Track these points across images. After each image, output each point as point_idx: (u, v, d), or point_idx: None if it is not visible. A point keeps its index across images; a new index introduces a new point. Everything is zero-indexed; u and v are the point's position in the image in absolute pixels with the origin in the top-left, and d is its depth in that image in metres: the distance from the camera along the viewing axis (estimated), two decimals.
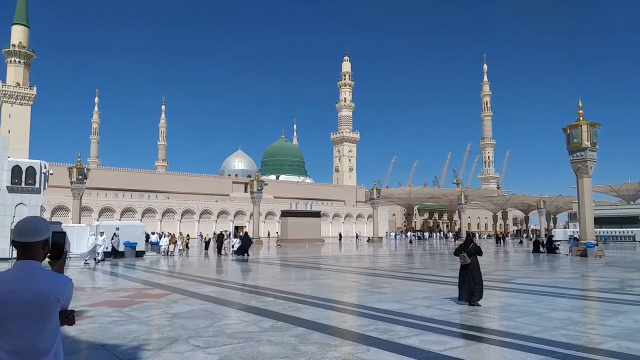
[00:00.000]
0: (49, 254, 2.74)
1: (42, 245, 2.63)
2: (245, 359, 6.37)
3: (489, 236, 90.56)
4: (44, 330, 2.49)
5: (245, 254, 29.75)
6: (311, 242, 55.98)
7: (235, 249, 33.57)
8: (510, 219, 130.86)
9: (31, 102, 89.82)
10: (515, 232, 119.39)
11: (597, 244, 31.48)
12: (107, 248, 26.64)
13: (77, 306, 10.79)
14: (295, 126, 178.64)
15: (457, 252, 11.33)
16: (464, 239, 11.69)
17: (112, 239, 27.62)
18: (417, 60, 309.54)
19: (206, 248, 38.51)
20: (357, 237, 77.43)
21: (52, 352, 2.52)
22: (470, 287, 10.83)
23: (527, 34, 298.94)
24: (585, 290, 15.49)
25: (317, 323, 8.78)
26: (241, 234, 38.90)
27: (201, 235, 65.44)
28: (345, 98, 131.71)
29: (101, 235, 26.03)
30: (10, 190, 25.33)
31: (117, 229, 29.12)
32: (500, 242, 58.19)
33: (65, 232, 2.92)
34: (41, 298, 2.49)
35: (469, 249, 11.10)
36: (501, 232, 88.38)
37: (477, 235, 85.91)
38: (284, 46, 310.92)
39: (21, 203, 25.65)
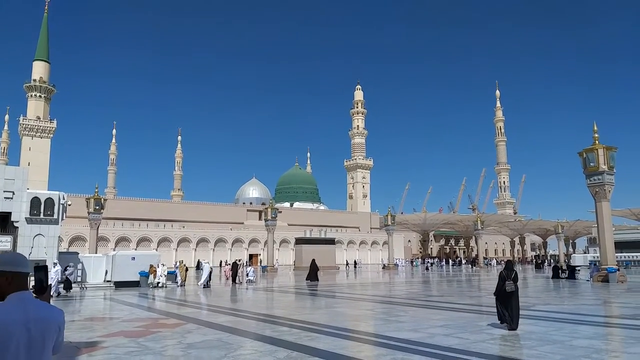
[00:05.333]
0: (33, 289, 2.78)
1: (27, 276, 2.66)
2: None
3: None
4: (43, 357, 2.51)
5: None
6: (326, 270, 55.51)
7: (251, 277, 33.54)
8: (528, 245, 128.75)
9: (51, 135, 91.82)
10: (533, 257, 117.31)
11: (618, 269, 30.77)
12: (58, 282, 22.85)
13: (93, 337, 10.81)
14: (308, 154, 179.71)
15: (501, 281, 11.32)
16: (505, 266, 11.71)
17: (65, 270, 24.99)
18: (429, 86, 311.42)
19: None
20: (355, 265, 72.95)
21: None
22: (513, 314, 10.96)
23: (540, 58, 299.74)
24: (608, 317, 15.07)
25: (333, 353, 8.65)
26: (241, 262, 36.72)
27: (199, 265, 63.98)
28: (358, 125, 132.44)
29: (54, 267, 23.14)
30: (29, 221, 25.71)
31: (133, 258, 29.27)
32: (540, 268, 59.75)
33: (46, 267, 2.97)
34: (46, 327, 2.53)
35: (512, 276, 11.19)
36: (541, 258, 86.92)
37: (495, 261, 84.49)
38: (296, 75, 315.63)
39: (39, 234, 26.00)
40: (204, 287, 28.09)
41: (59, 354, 2.81)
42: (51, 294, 21.38)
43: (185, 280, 31.14)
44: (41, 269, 2.85)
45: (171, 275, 31.53)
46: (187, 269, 32.40)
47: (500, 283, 11.37)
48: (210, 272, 30.07)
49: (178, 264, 33.33)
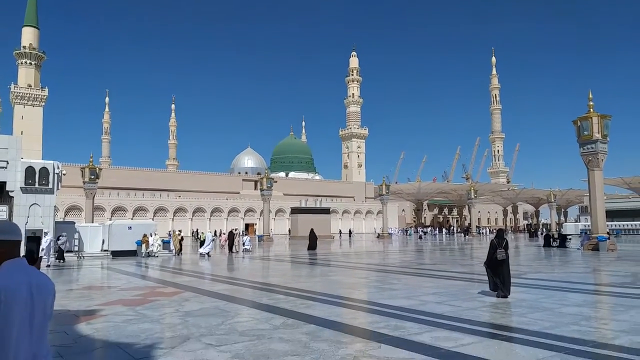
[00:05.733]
0: (25, 259, 2.79)
1: (19, 244, 2.68)
2: (257, 356, 6.45)
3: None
4: (46, 323, 2.58)
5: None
6: (321, 239, 56.04)
7: (247, 247, 33.87)
8: (520, 214, 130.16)
9: (43, 103, 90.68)
10: (525, 226, 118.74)
11: (609, 238, 31.23)
12: (49, 250, 22.36)
13: (91, 305, 10.97)
14: (303, 123, 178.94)
15: (492, 250, 11.47)
16: (496, 234, 11.85)
17: (57, 239, 24.81)
18: (424, 54, 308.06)
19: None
20: (350, 234, 74.55)
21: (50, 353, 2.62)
22: (506, 282, 11.20)
23: (536, 25, 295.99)
24: (597, 284, 15.40)
25: (328, 320, 8.84)
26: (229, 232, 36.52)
27: (196, 234, 62.35)
28: (353, 94, 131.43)
29: (44, 237, 22.80)
30: (24, 191, 25.67)
31: (130, 227, 29.38)
32: (534, 236, 60.84)
33: (39, 237, 3.00)
34: (46, 293, 2.58)
35: (503, 245, 11.35)
36: (534, 227, 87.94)
37: (487, 230, 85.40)
38: (291, 43, 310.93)
39: (35, 203, 25.99)
40: (207, 256, 28.35)
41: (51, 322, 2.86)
42: (48, 263, 21.55)
43: (180, 249, 31.23)
44: (34, 240, 2.88)
45: (167, 245, 31.74)
46: (182, 239, 32.46)
47: (491, 251, 11.53)
48: (212, 241, 30.38)
49: (172, 233, 33.38)
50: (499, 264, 11.35)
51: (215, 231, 75.19)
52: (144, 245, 28.17)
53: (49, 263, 22.14)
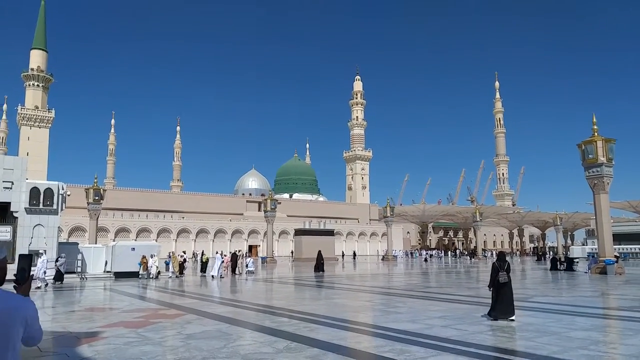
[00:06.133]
0: (15, 279, 2.71)
1: None
2: None
3: (506, 254, 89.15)
4: (5, 353, 2.38)
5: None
6: (325, 261, 55.65)
7: (251, 269, 33.67)
8: (526, 236, 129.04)
9: (49, 125, 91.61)
10: (532, 249, 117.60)
11: (617, 261, 30.89)
12: (44, 272, 21.91)
13: (93, 327, 10.86)
14: (307, 145, 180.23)
15: (494, 272, 11.43)
16: (497, 257, 11.82)
17: (56, 261, 24.81)
18: (428, 78, 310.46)
19: (202, 270, 33.04)
20: (354, 256, 73.98)
21: None
22: (506, 305, 11.10)
23: (539, 49, 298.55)
24: (606, 308, 15.15)
25: (331, 344, 8.70)
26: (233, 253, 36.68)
27: (195, 255, 62.31)
28: (357, 117, 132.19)
29: (40, 257, 22.48)
30: (28, 211, 25.75)
31: (133, 249, 29.32)
32: (541, 260, 60.65)
33: (31, 256, 2.91)
34: (8, 319, 2.40)
35: (505, 267, 11.31)
36: (541, 250, 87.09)
37: (493, 252, 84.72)
38: (295, 66, 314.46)
39: (39, 224, 26.05)
40: (214, 278, 28.34)
41: (36, 345, 2.73)
42: (38, 285, 20.94)
43: (179, 271, 30.96)
44: (26, 258, 2.79)
45: (167, 266, 31.60)
46: (185, 260, 32.32)
47: (493, 274, 11.49)
48: (222, 263, 30.33)
49: (171, 255, 33.18)
50: (500, 287, 11.27)
51: (217, 252, 74.96)
52: (141, 267, 27.93)
53: (40, 285, 21.04)
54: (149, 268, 27.95)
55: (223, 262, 30.59)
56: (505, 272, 11.28)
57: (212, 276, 28.94)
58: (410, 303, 15.64)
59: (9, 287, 2.62)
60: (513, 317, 11.08)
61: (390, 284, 25.44)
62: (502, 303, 11.17)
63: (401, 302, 15.81)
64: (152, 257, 28.18)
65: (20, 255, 2.82)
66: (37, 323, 2.59)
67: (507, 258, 12.26)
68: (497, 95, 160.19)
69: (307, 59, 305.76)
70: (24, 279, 2.71)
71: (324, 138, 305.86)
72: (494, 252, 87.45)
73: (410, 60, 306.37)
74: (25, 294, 2.68)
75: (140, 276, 27.77)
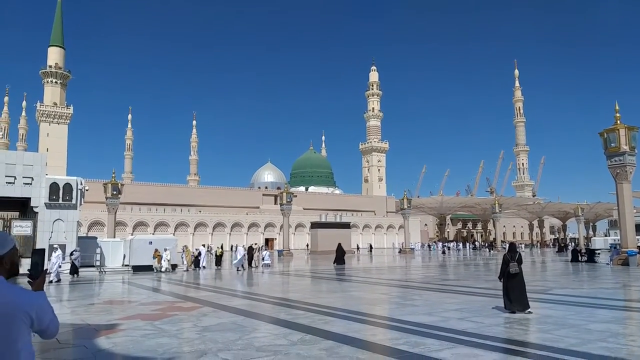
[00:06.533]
0: (28, 273, 2.70)
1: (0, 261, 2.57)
2: None
3: (526, 246, 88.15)
4: (5, 347, 2.37)
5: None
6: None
7: (267, 262, 33.85)
8: (547, 228, 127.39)
9: (68, 121, 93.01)
10: (553, 240, 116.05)
11: (639, 252, 30.28)
12: (59, 267, 22.16)
13: (111, 319, 11.01)
14: (323, 137, 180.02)
15: (504, 264, 11.34)
16: (508, 248, 11.67)
17: (70, 254, 24.94)
18: (446, 67, 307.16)
19: (217, 263, 33.38)
20: (371, 249, 73.67)
21: None
22: (517, 297, 10.98)
23: (560, 38, 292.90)
24: (627, 300, 14.85)
25: (346, 336, 8.67)
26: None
27: (209, 248, 61.75)
28: (373, 108, 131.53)
29: (54, 252, 22.48)
30: (48, 206, 26.20)
31: (150, 242, 29.63)
32: (564, 251, 59.10)
33: (44, 250, 2.90)
34: (9, 313, 2.39)
35: (516, 258, 11.18)
36: (563, 241, 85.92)
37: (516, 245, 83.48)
38: (311, 58, 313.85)
39: (59, 219, 26.50)
40: (238, 270, 28.86)
41: (53, 337, 2.72)
42: (51, 279, 21.18)
43: (191, 264, 31.43)
44: (39, 253, 2.79)
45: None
46: (199, 254, 32.54)
47: (503, 266, 11.36)
48: (244, 256, 30.78)
49: (184, 248, 33.37)
50: (511, 278, 11.17)
51: (231, 246, 75.67)
52: (155, 261, 28.06)
53: (52, 279, 21.20)
54: (162, 262, 28.05)
55: (244, 255, 30.92)
56: (516, 263, 11.14)
57: (237, 269, 29.42)
58: (426, 296, 15.53)
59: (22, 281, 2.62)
60: (530, 310, 10.92)
61: (407, 276, 25.33)
62: (513, 294, 11.04)
63: (417, 295, 15.71)
64: (165, 251, 28.31)
65: (33, 250, 2.83)
66: (48, 315, 2.56)
67: (525, 250, 12.10)
68: (517, 84, 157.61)
69: (323, 51, 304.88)
70: (37, 274, 2.71)
71: (340, 130, 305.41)
72: (515, 244, 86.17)
73: (428, 51, 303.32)
74: (39, 289, 2.67)
75: (154, 270, 27.92)
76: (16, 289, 2.53)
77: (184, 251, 32.34)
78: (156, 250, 28.31)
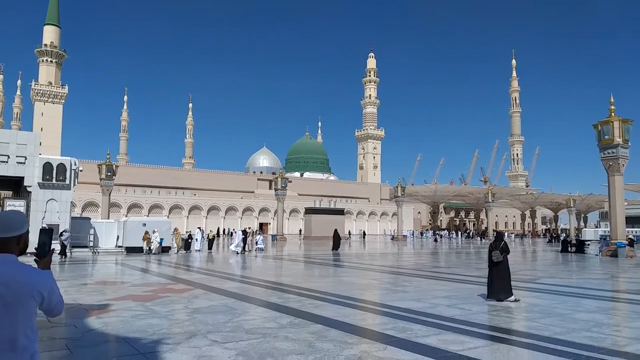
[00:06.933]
0: (35, 253, 2.74)
1: (16, 241, 2.62)
2: (262, 354, 6.42)
3: (516, 235, 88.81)
4: (17, 324, 2.43)
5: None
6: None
7: (260, 246, 34.01)
8: (539, 218, 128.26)
9: (63, 101, 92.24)
10: (545, 231, 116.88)
11: (629, 244, 30.62)
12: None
13: (102, 300, 11.08)
14: (319, 123, 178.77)
15: (489, 252, 11.51)
16: (494, 237, 11.78)
17: (60, 235, 24.73)
18: (443, 56, 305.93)
19: (209, 247, 33.83)
20: (364, 235, 74.42)
21: (28, 350, 2.46)
22: (501, 285, 11.08)
23: (557, 29, 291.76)
24: (613, 291, 15.07)
25: (335, 320, 8.78)
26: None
27: (201, 231, 62.20)
28: (370, 95, 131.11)
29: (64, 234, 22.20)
30: (41, 186, 26.10)
31: (144, 224, 29.64)
32: (553, 241, 59.56)
33: (52, 230, 2.94)
34: (19, 291, 2.44)
35: (500, 247, 11.26)
36: (554, 232, 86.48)
37: (506, 234, 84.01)
38: (308, 43, 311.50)
39: (52, 199, 26.41)
40: (237, 254, 29.14)
41: (58, 316, 2.80)
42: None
43: (187, 247, 31.54)
44: (46, 232, 2.84)
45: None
46: (190, 237, 32.70)
47: (489, 254, 11.49)
48: (244, 239, 31.28)
49: (174, 231, 33.24)
50: (494, 266, 11.31)
51: (221, 229, 75.63)
52: (145, 243, 27.94)
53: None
54: (150, 243, 27.91)
55: (244, 238, 31.29)
56: (498, 251, 11.24)
57: (237, 252, 29.75)
58: (416, 282, 15.69)
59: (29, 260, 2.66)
60: (513, 297, 11.05)
61: (398, 263, 25.53)
62: (498, 282, 11.17)
63: (408, 281, 15.87)
64: (153, 233, 28.10)
65: (41, 230, 2.86)
66: (56, 295, 2.64)
67: (515, 239, 12.24)
68: (514, 74, 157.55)
69: (321, 36, 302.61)
70: (44, 253, 2.76)
71: (336, 117, 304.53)
72: (507, 234, 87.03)
73: (425, 39, 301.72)
74: (46, 268, 2.73)
75: (144, 252, 27.82)
76: (28, 268, 2.59)
77: (174, 234, 32.26)
78: (146, 232, 28.22)
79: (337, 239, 35.30)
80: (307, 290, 13.25)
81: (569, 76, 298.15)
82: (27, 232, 2.71)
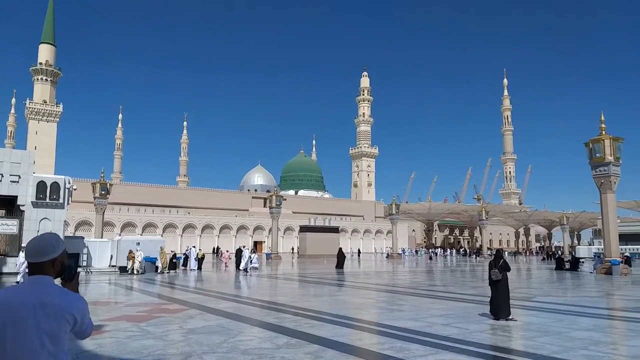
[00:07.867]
0: (61, 276, 2.78)
1: (50, 263, 2.66)
2: None
3: (509, 253, 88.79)
4: (51, 346, 2.47)
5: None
6: (330, 258, 55.69)
7: (255, 264, 33.78)
8: (532, 236, 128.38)
9: (57, 119, 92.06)
10: (539, 248, 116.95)
11: (624, 261, 30.69)
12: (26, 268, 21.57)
13: (96, 320, 10.94)
14: (314, 141, 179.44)
15: (489, 270, 11.55)
16: (493, 255, 11.83)
17: None
18: (436, 75, 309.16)
19: (199, 267, 33.07)
20: (359, 253, 74.59)
21: None
22: (499, 304, 11.08)
23: (548, 47, 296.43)
24: (609, 309, 15.07)
25: (332, 340, 8.72)
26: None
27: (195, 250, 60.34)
28: (363, 113, 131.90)
29: (22, 252, 21.14)
30: (35, 205, 25.91)
31: (138, 243, 29.46)
32: (550, 259, 59.17)
33: (78, 254, 2.98)
34: (56, 314, 2.48)
35: (499, 265, 11.29)
36: (550, 250, 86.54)
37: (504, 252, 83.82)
38: (302, 62, 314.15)
39: (45, 218, 26.21)
40: (244, 272, 29.68)
41: (87, 338, 2.82)
42: (18, 280, 20.25)
43: (174, 267, 31.03)
44: (73, 257, 2.87)
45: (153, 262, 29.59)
46: (174, 256, 32.51)
47: (489, 273, 11.53)
48: (249, 259, 31.53)
49: (160, 250, 32.63)
50: (494, 285, 11.34)
51: (214, 248, 75.14)
52: (130, 262, 27.42)
53: (18, 280, 20.02)
54: (136, 262, 27.40)
55: (250, 258, 31.65)
56: (497, 270, 11.28)
57: (245, 270, 30.33)
58: (412, 301, 15.63)
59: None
60: (511, 317, 11.04)
61: (394, 281, 25.43)
62: (496, 300, 11.19)
63: (404, 300, 15.81)
64: (137, 251, 27.66)
65: (68, 254, 2.89)
66: (87, 318, 2.70)
67: (508, 257, 12.30)
68: (505, 93, 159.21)
69: (315, 55, 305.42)
70: (71, 276, 2.81)
71: (331, 135, 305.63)
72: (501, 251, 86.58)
73: (418, 58, 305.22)
74: (75, 291, 2.78)
75: (127, 271, 27.17)
76: (63, 291, 2.64)
77: (160, 253, 31.52)
78: (130, 252, 27.70)
79: (341, 258, 35.16)
80: (303, 309, 13.16)
81: (560, 94, 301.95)
82: (63, 253, 2.73)
